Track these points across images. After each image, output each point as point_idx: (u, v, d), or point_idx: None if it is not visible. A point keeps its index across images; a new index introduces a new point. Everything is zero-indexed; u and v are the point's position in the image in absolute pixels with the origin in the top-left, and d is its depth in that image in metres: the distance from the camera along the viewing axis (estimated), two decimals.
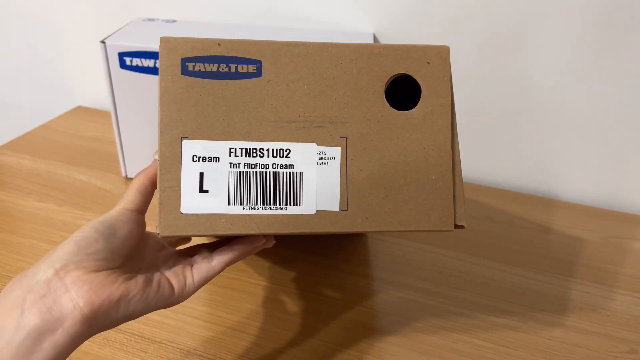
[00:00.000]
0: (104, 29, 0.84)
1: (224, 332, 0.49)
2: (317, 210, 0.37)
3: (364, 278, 0.56)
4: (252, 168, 0.37)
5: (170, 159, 0.36)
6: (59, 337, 0.32)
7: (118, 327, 0.40)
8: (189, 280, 0.37)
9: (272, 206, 0.37)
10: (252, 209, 0.37)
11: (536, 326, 0.52)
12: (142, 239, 0.39)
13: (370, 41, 0.69)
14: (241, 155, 0.37)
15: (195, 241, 0.45)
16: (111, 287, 0.34)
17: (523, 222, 0.67)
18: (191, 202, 0.36)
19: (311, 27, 0.75)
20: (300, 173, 0.37)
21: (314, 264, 0.58)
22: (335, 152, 0.38)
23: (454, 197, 0.39)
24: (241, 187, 0.37)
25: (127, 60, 0.62)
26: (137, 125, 0.66)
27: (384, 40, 0.73)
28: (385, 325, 0.51)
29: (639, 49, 0.64)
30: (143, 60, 0.62)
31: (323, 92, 0.38)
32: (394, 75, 0.39)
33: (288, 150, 0.37)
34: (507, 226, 0.67)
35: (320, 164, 0.38)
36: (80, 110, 0.92)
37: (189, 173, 0.36)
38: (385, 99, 0.39)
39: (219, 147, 0.37)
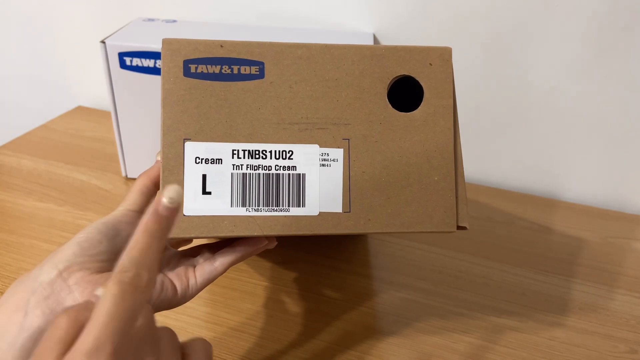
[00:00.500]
0: (104, 29, 0.84)
1: (224, 332, 0.49)
2: (319, 212, 0.37)
3: (364, 278, 0.57)
4: (254, 170, 0.37)
5: (173, 161, 0.36)
6: None
7: None
8: (192, 282, 0.37)
9: (275, 208, 0.37)
10: (255, 210, 0.37)
11: (536, 326, 0.52)
12: None
13: (370, 41, 0.69)
14: (244, 157, 0.37)
15: (197, 242, 0.45)
16: None
17: (523, 222, 0.68)
18: (194, 204, 0.36)
19: (311, 27, 0.75)
20: (303, 175, 0.38)
21: (315, 264, 0.58)
22: (337, 153, 0.38)
23: (457, 198, 0.39)
24: (244, 189, 0.37)
25: (127, 60, 0.62)
26: (137, 125, 0.66)
27: (384, 40, 0.73)
28: (386, 325, 0.51)
29: (639, 49, 0.64)
30: (143, 60, 0.62)
31: (325, 93, 0.38)
32: (396, 77, 0.39)
33: (291, 152, 0.37)
34: (507, 226, 0.67)
35: (323, 165, 0.38)
36: (80, 110, 0.91)
37: (191, 175, 0.36)
38: (387, 100, 0.39)
39: (222, 149, 0.37)
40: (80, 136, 0.82)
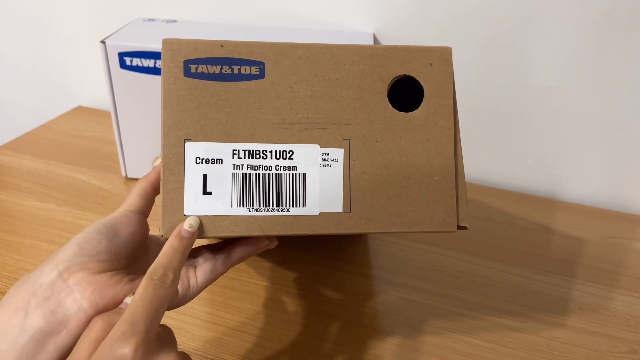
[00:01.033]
0: (104, 29, 0.84)
1: (224, 332, 0.49)
2: (320, 212, 0.37)
3: (364, 278, 0.57)
4: (255, 170, 0.37)
5: (173, 161, 0.36)
6: (62, 339, 0.32)
7: None
8: (193, 282, 0.37)
9: (275, 208, 0.37)
10: (256, 210, 0.37)
11: (536, 326, 0.52)
12: (145, 241, 0.40)
13: (370, 41, 0.69)
14: (244, 157, 0.37)
15: (198, 242, 0.44)
16: (115, 289, 0.34)
17: (523, 222, 0.68)
18: (194, 204, 0.36)
19: (311, 27, 0.75)
20: (304, 174, 0.38)
21: (315, 264, 0.58)
22: (338, 153, 0.38)
23: (457, 198, 0.39)
24: (244, 189, 0.37)
25: (127, 60, 0.62)
26: (137, 125, 0.66)
27: (384, 40, 0.73)
28: (386, 326, 0.51)
29: (639, 49, 0.64)
30: (143, 60, 0.62)
31: (326, 93, 0.38)
32: (396, 77, 0.39)
33: (291, 152, 0.37)
34: (507, 226, 0.67)
35: (323, 165, 0.38)
36: (80, 110, 0.91)
37: (192, 175, 0.36)
38: (387, 100, 0.39)
39: (222, 149, 0.37)
40: (80, 136, 0.82)
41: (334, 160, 0.38)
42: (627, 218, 0.70)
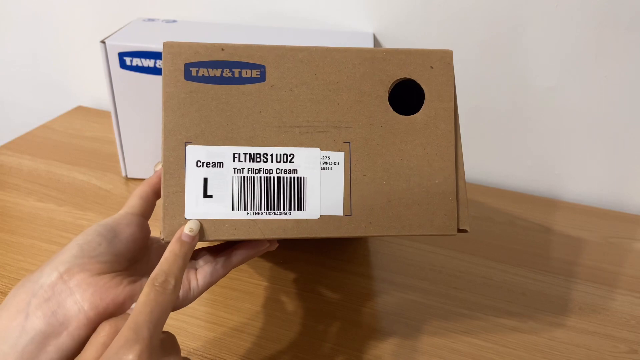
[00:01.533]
0: (104, 29, 0.84)
1: (224, 332, 0.49)
2: (320, 215, 0.38)
3: (364, 278, 0.57)
4: (256, 173, 0.37)
5: (174, 165, 0.36)
6: (63, 340, 0.32)
7: None
8: (193, 284, 0.37)
9: (276, 211, 0.37)
10: (256, 214, 0.37)
11: (536, 326, 0.52)
12: (146, 243, 0.40)
13: (370, 41, 0.69)
14: (245, 161, 0.37)
15: (198, 245, 0.45)
16: (116, 290, 0.34)
17: (523, 222, 0.68)
18: (195, 208, 0.36)
19: (311, 28, 0.75)
20: (304, 178, 0.38)
21: (314, 264, 0.58)
22: (338, 157, 0.38)
23: (457, 201, 0.39)
24: (245, 192, 0.37)
25: (127, 60, 0.62)
26: (137, 125, 0.66)
27: (384, 40, 0.73)
28: (386, 326, 0.51)
29: (639, 49, 0.64)
30: (143, 60, 0.62)
31: (326, 96, 0.38)
32: (397, 80, 0.39)
33: (292, 155, 0.38)
34: (507, 226, 0.67)
35: (324, 168, 0.38)
36: (80, 110, 0.91)
37: (193, 178, 0.36)
38: (388, 103, 0.39)
39: (223, 152, 0.37)
40: (80, 136, 0.82)
41: (334, 163, 0.38)
42: (627, 218, 0.70)
